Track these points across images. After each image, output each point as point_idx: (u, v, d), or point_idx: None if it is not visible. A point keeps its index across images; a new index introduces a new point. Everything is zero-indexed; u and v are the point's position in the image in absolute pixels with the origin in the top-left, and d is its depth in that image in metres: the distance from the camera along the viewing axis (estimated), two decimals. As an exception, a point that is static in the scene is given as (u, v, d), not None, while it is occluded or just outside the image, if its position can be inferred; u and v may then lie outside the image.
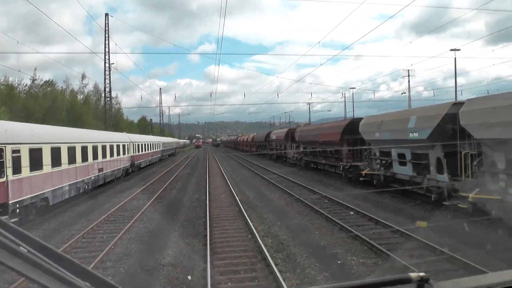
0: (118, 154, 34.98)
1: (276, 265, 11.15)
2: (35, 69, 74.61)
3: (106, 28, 59.20)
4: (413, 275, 1.51)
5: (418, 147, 19.28)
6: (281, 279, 9.94)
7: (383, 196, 22.80)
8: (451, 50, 60.20)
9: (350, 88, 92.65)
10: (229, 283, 10.27)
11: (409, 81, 75.24)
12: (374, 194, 23.57)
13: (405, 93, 75.45)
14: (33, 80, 64.53)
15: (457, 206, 16.50)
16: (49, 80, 70.13)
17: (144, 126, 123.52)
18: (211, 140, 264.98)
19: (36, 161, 18.60)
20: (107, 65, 58.06)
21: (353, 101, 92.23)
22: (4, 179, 15.85)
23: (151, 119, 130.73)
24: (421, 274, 1.51)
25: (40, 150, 19.19)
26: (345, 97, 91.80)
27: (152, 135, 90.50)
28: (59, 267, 1.32)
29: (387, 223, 15.85)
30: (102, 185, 30.24)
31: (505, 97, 14.41)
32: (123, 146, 37.31)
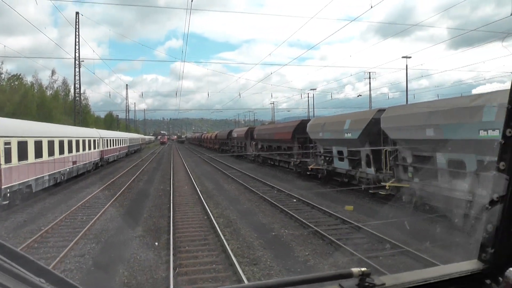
0: (90, 148, 37.82)
1: (224, 235, 14.41)
2: (2, 63, 75.45)
3: (77, 26, 61.25)
4: (354, 270, 1.57)
5: (353, 145, 22.86)
6: (226, 244, 13.22)
7: (325, 187, 26.36)
8: (403, 57, 64.50)
9: (311, 89, 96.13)
10: (187, 247, 13.47)
11: (370, 83, 78.76)
12: (319, 186, 27.13)
13: (361, 95, 79.21)
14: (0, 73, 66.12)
15: (379, 193, 20.18)
16: (16, 74, 71.81)
17: (110, 122, 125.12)
18: (176, 137, 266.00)
19: (23, 152, 21.46)
20: (77, 63, 59.91)
21: (313, 102, 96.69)
22: (18, 164, 18.75)
23: (117, 115, 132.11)
24: (363, 269, 1.57)
25: (26, 143, 22.04)
26: (308, 97, 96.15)
27: (118, 131, 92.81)
28: (14, 264, 1.33)
29: (321, 207, 19.32)
30: (75, 177, 33.02)
31: (411, 106, 18.13)
32: (94, 141, 40.10)
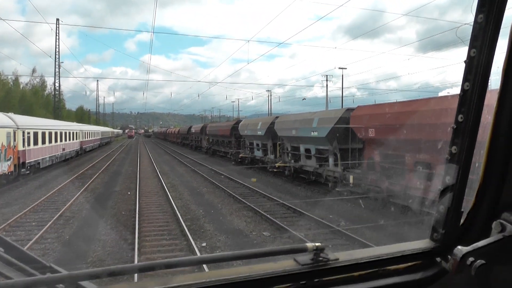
0: (73, 139, 47.98)
1: (168, 190, 24.81)
2: None
3: (57, 31, 70.64)
4: (309, 245, 1.67)
5: (318, 142, 24.42)
6: (168, 193, 23.63)
7: (292, 184, 37.02)
8: (340, 68, 75.63)
9: (266, 90, 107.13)
10: (147, 196, 23.83)
11: (327, 85, 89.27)
12: (243, 168, 37.77)
13: (305, 99, 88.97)
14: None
15: (273, 170, 30.94)
16: None
17: (81, 115, 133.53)
18: (143, 131, 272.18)
19: (35, 139, 31.56)
20: (57, 66, 69.35)
21: (269, 100, 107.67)
22: (24, 148, 28.84)
23: (89, 110, 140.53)
24: (317, 244, 1.68)
25: (37, 133, 32.17)
26: (270, 96, 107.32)
27: (89, 124, 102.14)
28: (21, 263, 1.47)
29: (236, 179, 29.83)
30: (64, 161, 43.11)
31: (290, 116, 28.88)
32: (75, 133, 50.28)
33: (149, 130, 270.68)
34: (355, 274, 1.76)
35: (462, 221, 1.93)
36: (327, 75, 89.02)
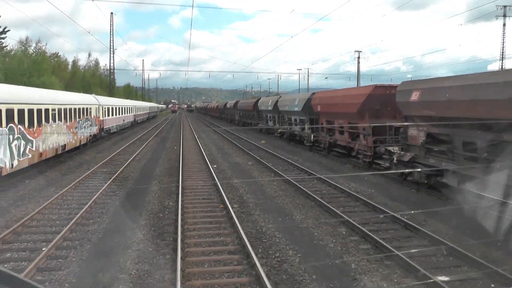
0: (129, 112, 60.51)
1: (201, 146, 36.52)
2: (46, 44, 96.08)
3: (111, 23, 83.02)
4: None
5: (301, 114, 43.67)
6: (201, 148, 35.32)
7: (289, 144, 48.40)
8: (356, 51, 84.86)
9: (306, 68, 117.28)
10: (186, 151, 35.55)
11: (358, 62, 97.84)
12: (280, 141, 49.24)
13: (327, 78, 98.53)
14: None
15: (275, 134, 42.35)
16: (55, 52, 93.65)
17: (128, 92, 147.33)
18: (186, 106, 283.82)
19: (108, 112, 43.86)
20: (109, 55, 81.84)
21: (308, 77, 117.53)
22: (103, 119, 41.11)
23: (136, 87, 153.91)
24: None
25: (109, 108, 44.48)
26: (308, 73, 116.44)
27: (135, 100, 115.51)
28: None
29: (250, 140, 41.24)
30: (122, 130, 55.70)
31: (291, 95, 40.21)
32: (131, 108, 62.79)
33: (192, 105, 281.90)
34: None
35: None
36: (359, 52, 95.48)
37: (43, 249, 10.45)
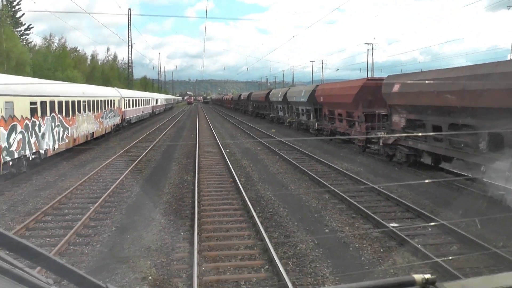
0: (148, 104, 63.91)
1: (216, 134, 39.66)
2: (65, 39, 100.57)
3: (129, 20, 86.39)
4: (417, 276, 1.46)
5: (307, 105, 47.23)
6: (216, 136, 38.49)
7: (297, 132, 51.41)
8: (365, 43, 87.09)
9: (320, 60, 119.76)
10: (203, 133, 38.73)
11: (367, 54, 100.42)
12: (289, 129, 52.23)
13: (338, 69, 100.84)
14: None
15: (284, 124, 45.35)
16: (74, 47, 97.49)
17: (145, 84, 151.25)
18: (201, 98, 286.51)
19: (128, 104, 47.15)
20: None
21: (322, 69, 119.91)
22: (124, 110, 44.42)
23: (152, 80, 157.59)
24: (426, 276, 1.46)
25: (129, 100, 47.77)
26: (323, 64, 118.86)
27: (151, 92, 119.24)
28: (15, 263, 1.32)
29: (262, 130, 44.29)
30: (141, 121, 59.13)
31: (299, 87, 43.20)
32: (149, 100, 66.20)
33: (207, 97, 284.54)
34: None
35: None
36: (372, 44, 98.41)
37: (90, 207, 13.59)
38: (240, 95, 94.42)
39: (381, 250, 9.92)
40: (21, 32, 61.74)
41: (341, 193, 14.97)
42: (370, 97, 24.09)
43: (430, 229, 11.53)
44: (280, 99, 47.65)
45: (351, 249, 10.07)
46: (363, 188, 16.32)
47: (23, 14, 62.92)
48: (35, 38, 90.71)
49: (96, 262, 9.36)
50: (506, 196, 14.96)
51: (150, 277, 8.46)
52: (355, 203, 13.64)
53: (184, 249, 9.99)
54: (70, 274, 1.37)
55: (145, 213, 13.07)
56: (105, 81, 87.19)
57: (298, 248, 10.05)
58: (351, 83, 28.22)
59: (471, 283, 1.55)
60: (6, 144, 16.53)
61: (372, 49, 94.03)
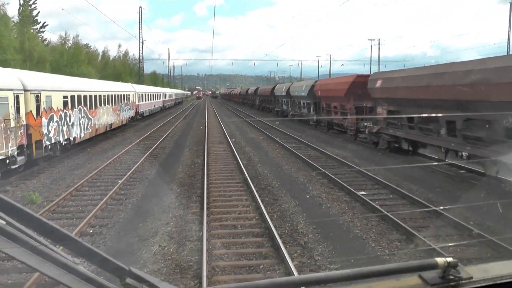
0: (159, 99, 67.19)
1: (223, 126, 42.73)
2: (79, 36, 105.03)
3: (140, 18, 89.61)
4: (439, 260, 1.46)
5: (307, 99, 50.53)
6: (223, 126, 41.55)
7: (299, 124, 54.41)
8: (369, 39, 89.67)
9: (328, 55, 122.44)
10: (212, 124, 41.82)
11: (371, 50, 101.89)
12: (291, 122, 55.22)
13: (343, 64, 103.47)
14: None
15: (288, 116, 48.41)
16: (86, 43, 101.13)
17: (155, 80, 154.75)
18: (210, 92, 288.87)
19: (141, 98, 50.35)
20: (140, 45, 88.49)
21: (330, 64, 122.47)
22: (138, 104, 47.62)
23: (162, 75, 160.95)
24: (449, 259, 1.46)
25: (142, 94, 50.96)
26: (330, 58, 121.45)
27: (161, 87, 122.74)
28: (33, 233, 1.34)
29: (266, 122, 47.33)
30: (152, 114, 62.40)
31: (300, 82, 46.19)
32: (160, 94, 69.47)
33: (216, 92, 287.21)
34: None
35: None
36: (379, 39, 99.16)
37: (118, 181, 16.69)
38: (248, 90, 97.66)
39: (346, 208, 12.98)
40: (36, 30, 65.42)
41: (326, 172, 17.98)
42: (360, 92, 26.97)
43: (391, 195, 14.55)
44: (284, 94, 50.64)
45: (323, 207, 13.15)
46: (347, 169, 19.33)
47: (39, 12, 66.55)
48: (49, 35, 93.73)
49: (130, 216, 12.46)
50: (458, 171, 18.10)
51: (171, 223, 11.55)
52: (335, 178, 16.67)
53: (196, 207, 13.09)
54: (95, 256, 1.41)
55: (164, 185, 16.20)
56: (117, 77, 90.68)
57: (282, 206, 13.14)
58: (343, 79, 31.19)
59: (493, 267, 1.54)
60: (46, 131, 19.74)
61: (379, 44, 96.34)
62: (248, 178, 16.65)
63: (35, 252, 1.26)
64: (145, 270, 8.59)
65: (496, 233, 10.17)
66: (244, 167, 19.14)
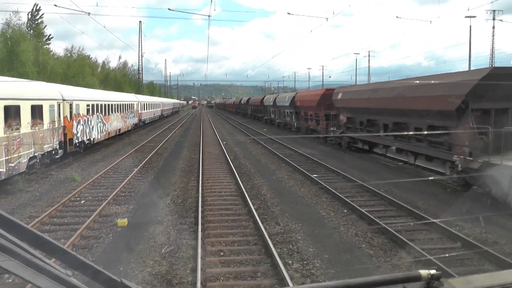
0: (158, 107, 72.74)
1: (216, 132, 48.16)
2: (83, 49, 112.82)
3: (140, 31, 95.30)
4: (423, 272, 1.48)
5: (290, 108, 56.03)
6: (217, 133, 47.01)
7: (283, 131, 59.86)
8: (354, 53, 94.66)
9: (321, 66, 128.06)
10: (207, 132, 47.24)
11: (369, 61, 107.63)
12: (277, 128, 60.69)
13: (330, 77, 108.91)
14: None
15: (273, 124, 53.91)
16: (88, 55, 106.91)
17: (152, 89, 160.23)
18: (205, 102, 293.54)
19: (143, 107, 55.84)
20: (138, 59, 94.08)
21: (322, 75, 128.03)
22: (140, 112, 53.11)
23: (160, 86, 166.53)
24: (432, 272, 1.49)
25: (144, 103, 56.47)
26: (322, 69, 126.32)
27: (158, 97, 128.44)
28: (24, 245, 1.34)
29: (257, 130, 52.78)
30: (152, 122, 67.87)
31: (283, 94, 51.83)
32: (158, 104, 75.04)
33: (211, 101, 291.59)
34: None
35: None
36: (369, 51, 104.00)
37: (134, 169, 22.10)
38: (241, 100, 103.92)
39: (299, 183, 18.54)
40: (42, 43, 70.91)
41: (294, 164, 23.50)
42: (328, 102, 32.57)
43: (336, 177, 20.08)
44: (271, 104, 56.31)
45: (282, 183, 18.73)
46: (316, 165, 24.83)
47: (45, 26, 71.98)
48: (52, 46, 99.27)
49: (146, 189, 17.91)
50: (393, 162, 23.73)
51: (176, 192, 17.03)
52: (298, 167, 22.21)
53: (194, 183, 18.62)
54: (87, 268, 1.42)
55: (170, 171, 21.74)
56: (118, 87, 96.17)
57: (255, 182, 18.71)
58: (316, 91, 36.94)
59: (476, 279, 1.56)
60: (76, 131, 25.28)
61: (369, 56, 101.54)
62: (233, 167, 22.16)
63: (28, 265, 1.28)
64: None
65: (393, 194, 15.69)
66: (231, 161, 24.63)
